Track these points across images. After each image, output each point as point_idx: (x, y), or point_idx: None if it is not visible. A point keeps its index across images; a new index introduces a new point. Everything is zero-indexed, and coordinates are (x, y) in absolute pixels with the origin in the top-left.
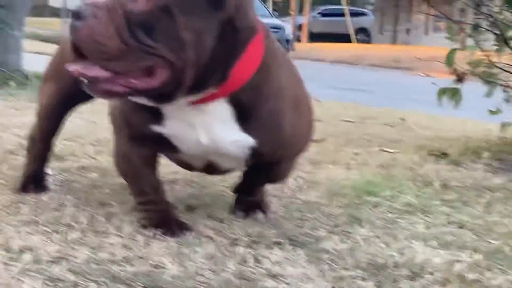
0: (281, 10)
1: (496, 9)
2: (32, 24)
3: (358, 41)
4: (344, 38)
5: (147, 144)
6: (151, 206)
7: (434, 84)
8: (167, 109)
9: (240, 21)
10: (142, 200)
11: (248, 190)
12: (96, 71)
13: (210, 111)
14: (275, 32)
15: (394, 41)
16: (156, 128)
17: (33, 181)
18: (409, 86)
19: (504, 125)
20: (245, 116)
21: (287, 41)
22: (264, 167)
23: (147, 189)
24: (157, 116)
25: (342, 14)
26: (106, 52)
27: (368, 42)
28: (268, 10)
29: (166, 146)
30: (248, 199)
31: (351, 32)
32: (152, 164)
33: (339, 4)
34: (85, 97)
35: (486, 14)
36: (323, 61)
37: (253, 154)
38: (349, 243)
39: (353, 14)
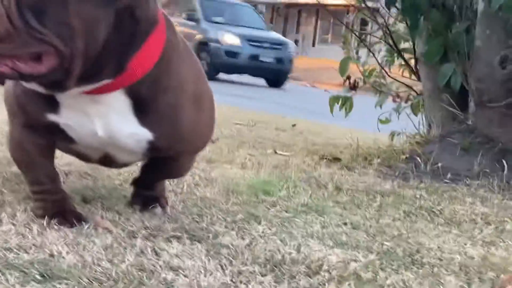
0: None
1: (391, 21)
2: None
3: None
4: None
5: (42, 133)
6: (47, 195)
7: (326, 91)
8: (62, 97)
9: (140, 11)
10: (37, 189)
11: (146, 184)
12: None
13: (106, 102)
14: (277, 49)
15: None
16: (51, 117)
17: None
18: (298, 95)
19: (393, 134)
20: (143, 109)
21: (290, 60)
22: (162, 162)
23: (42, 179)
24: (53, 105)
25: None
26: None
27: None
28: (264, 23)
29: (61, 135)
30: (146, 193)
31: None
32: (48, 153)
33: None
34: None
35: (381, 25)
36: None
37: (151, 148)
38: (246, 239)
39: None
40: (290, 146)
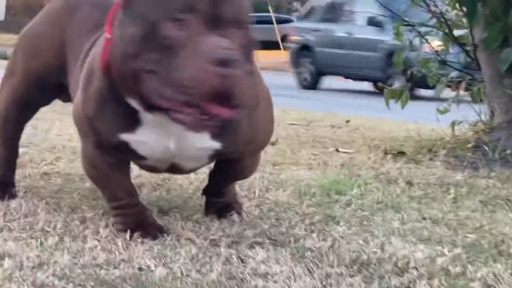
0: None
1: (444, 8)
2: None
3: (286, 48)
4: (272, 45)
5: (113, 151)
6: (126, 210)
7: (381, 86)
8: (147, 116)
9: None
10: (116, 205)
11: (217, 191)
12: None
13: None
14: None
15: None
16: (123, 136)
17: (1, 188)
18: (342, 91)
19: (454, 123)
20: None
21: None
22: (228, 165)
23: (120, 194)
24: (130, 123)
25: (269, 22)
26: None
27: None
28: None
29: (130, 153)
30: (219, 201)
31: (279, 39)
32: (122, 168)
33: (265, 11)
34: (43, 102)
35: (435, 13)
36: None
37: (216, 155)
38: (328, 241)
39: (280, 21)
40: (350, 143)
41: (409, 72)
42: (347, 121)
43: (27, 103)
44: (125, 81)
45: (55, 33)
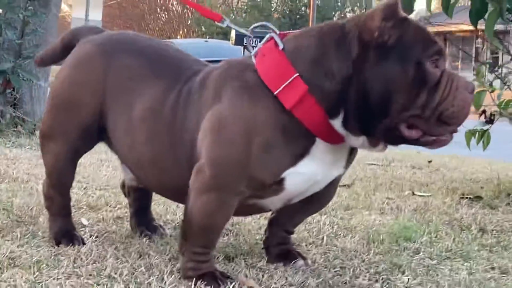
0: None
1: None
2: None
3: None
4: None
5: (249, 195)
6: (203, 257)
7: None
8: (319, 149)
9: None
10: (200, 251)
11: (282, 236)
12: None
13: (343, 150)
14: None
15: None
16: (286, 172)
17: (65, 235)
18: None
19: None
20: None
21: None
22: (319, 193)
23: (214, 243)
24: (296, 158)
25: None
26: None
27: None
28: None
29: (272, 192)
30: (284, 247)
31: None
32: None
33: None
34: (88, 148)
35: None
36: None
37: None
38: None
39: None
40: (428, 185)
41: (488, 113)
42: (429, 161)
43: (75, 153)
44: (379, 123)
45: (94, 80)
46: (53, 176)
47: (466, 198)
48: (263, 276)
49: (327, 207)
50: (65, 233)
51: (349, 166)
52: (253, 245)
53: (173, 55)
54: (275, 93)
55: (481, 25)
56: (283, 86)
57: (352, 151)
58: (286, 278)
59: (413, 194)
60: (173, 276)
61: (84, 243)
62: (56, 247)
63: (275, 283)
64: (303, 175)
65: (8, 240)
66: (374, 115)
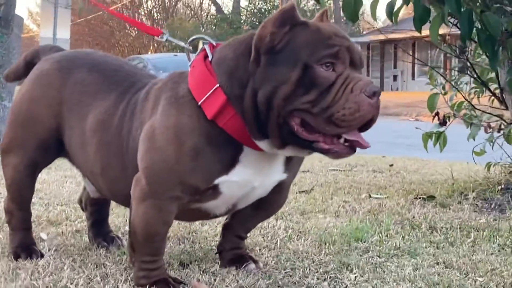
0: None
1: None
2: None
3: None
4: None
5: (188, 200)
6: (153, 265)
7: (418, 128)
8: (246, 156)
9: None
10: (148, 259)
11: (244, 233)
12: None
13: (277, 156)
14: None
15: (381, 87)
16: (220, 179)
17: (24, 249)
18: (398, 131)
19: (488, 165)
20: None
21: None
22: (270, 199)
23: (159, 250)
24: (227, 166)
25: None
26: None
27: None
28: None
29: (209, 196)
30: (237, 252)
31: None
32: (170, 224)
33: None
34: (47, 162)
35: (465, 59)
36: None
37: (276, 186)
38: None
39: None
40: (386, 188)
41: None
42: (391, 165)
43: (34, 167)
44: (269, 121)
45: (51, 95)
46: (12, 189)
47: (420, 198)
48: (215, 280)
49: (283, 212)
50: (24, 248)
51: (294, 170)
52: (208, 251)
53: (127, 70)
54: (199, 103)
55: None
56: (205, 97)
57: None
58: (238, 281)
59: (370, 196)
60: (127, 283)
61: (42, 257)
62: (15, 261)
63: (226, 285)
64: (237, 183)
65: None
66: (263, 112)
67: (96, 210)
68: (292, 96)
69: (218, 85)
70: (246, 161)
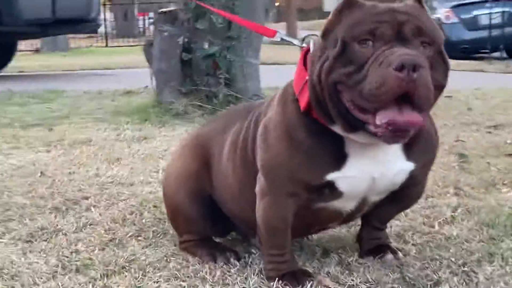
0: None
1: None
2: None
3: None
4: None
5: (302, 199)
6: (282, 258)
7: None
8: (352, 148)
9: None
10: (275, 252)
11: (382, 224)
12: (416, 118)
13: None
14: None
15: None
16: (332, 176)
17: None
18: None
19: None
20: (409, 142)
21: None
22: (405, 191)
23: (285, 243)
24: (336, 161)
25: None
26: (430, 99)
27: None
28: None
29: (325, 195)
30: (373, 242)
31: None
32: (292, 217)
33: None
34: None
35: None
36: None
37: (408, 179)
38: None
39: None
40: None
41: None
42: None
43: None
44: (326, 99)
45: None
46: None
47: None
48: (344, 272)
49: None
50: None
51: (424, 159)
52: (353, 239)
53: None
54: (296, 96)
55: None
56: (299, 90)
57: (409, 140)
58: (365, 275)
59: None
60: (257, 276)
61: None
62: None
63: (352, 279)
64: (354, 178)
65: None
66: (319, 92)
67: None
68: (333, 69)
69: (307, 77)
70: (354, 153)
